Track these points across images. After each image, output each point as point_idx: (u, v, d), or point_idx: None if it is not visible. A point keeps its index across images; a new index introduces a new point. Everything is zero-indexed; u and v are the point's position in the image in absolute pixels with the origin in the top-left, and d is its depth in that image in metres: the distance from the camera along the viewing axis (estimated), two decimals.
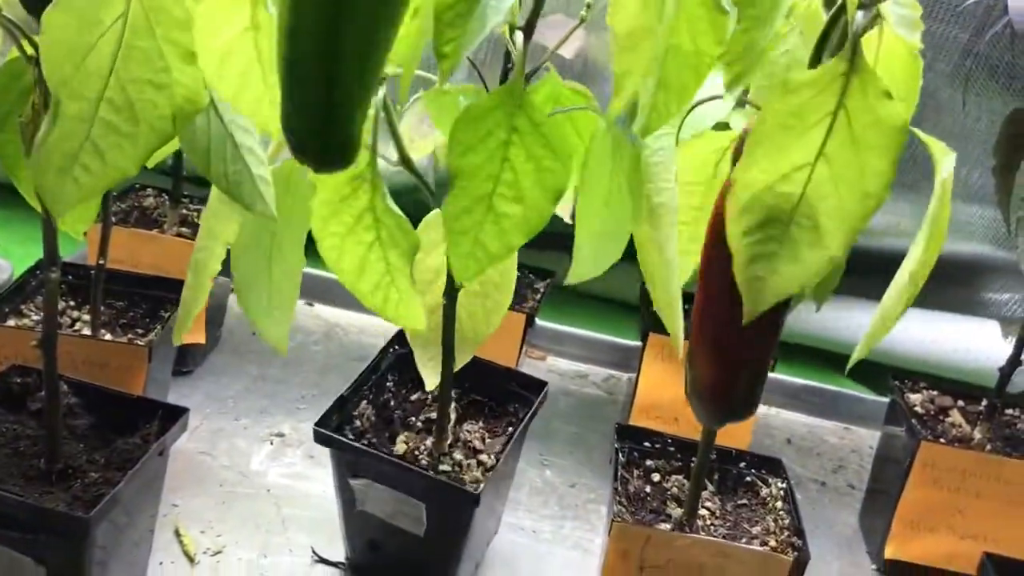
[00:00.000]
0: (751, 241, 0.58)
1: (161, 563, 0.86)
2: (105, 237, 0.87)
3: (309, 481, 1.01)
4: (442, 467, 0.81)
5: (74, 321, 0.95)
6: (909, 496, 1.00)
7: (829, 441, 1.30)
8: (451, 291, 0.76)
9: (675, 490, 0.86)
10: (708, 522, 0.82)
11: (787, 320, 1.48)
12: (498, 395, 0.92)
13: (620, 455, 0.86)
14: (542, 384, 0.92)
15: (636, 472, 0.87)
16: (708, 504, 0.85)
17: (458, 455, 0.83)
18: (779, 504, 0.84)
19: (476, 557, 0.91)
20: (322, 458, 1.05)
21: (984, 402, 1.07)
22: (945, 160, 0.65)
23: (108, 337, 0.91)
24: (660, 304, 0.69)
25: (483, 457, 0.84)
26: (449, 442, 0.84)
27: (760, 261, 0.58)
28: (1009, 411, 1.09)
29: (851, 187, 0.57)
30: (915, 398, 1.09)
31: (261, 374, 1.19)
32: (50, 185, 0.53)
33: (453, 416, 0.87)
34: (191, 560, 0.87)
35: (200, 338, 1.12)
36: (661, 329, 1.15)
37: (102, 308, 0.94)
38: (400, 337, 0.97)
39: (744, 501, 0.86)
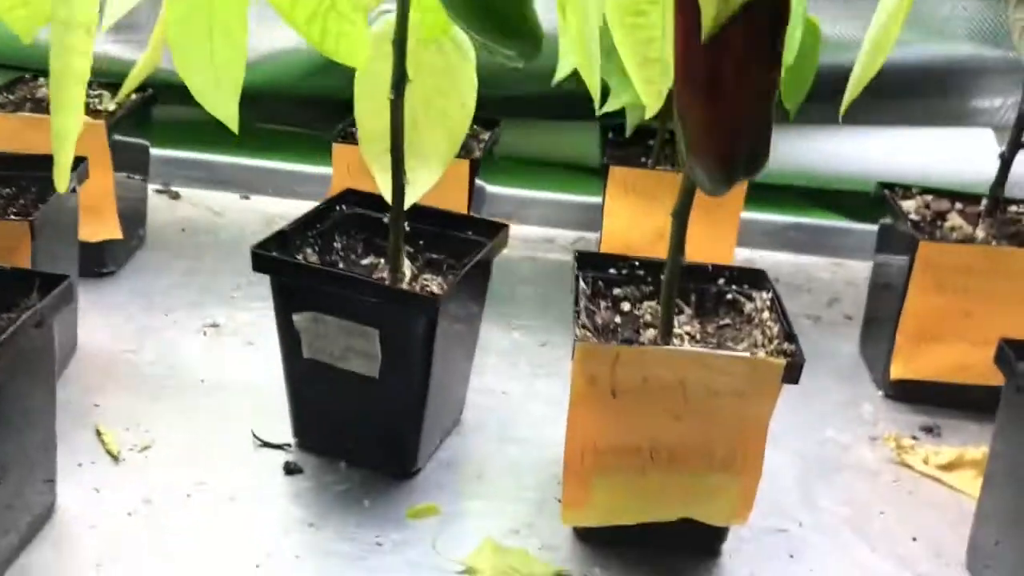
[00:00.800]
0: None
1: (80, 464, 0.76)
2: None
3: (248, 367, 0.91)
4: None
5: None
6: (912, 306, 0.90)
7: (820, 277, 1.21)
8: (399, 82, 0.66)
9: (648, 317, 0.75)
10: (687, 345, 0.72)
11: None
12: (456, 249, 0.82)
13: (583, 284, 0.76)
14: (502, 226, 0.82)
15: (603, 303, 0.77)
16: (687, 328, 0.75)
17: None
18: (765, 315, 0.74)
19: (440, 427, 0.81)
20: (261, 342, 0.95)
21: (984, 202, 0.97)
22: None
23: None
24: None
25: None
26: (404, 284, 0.75)
27: None
28: (1013, 208, 0.99)
29: None
30: (909, 205, 0.99)
31: (192, 268, 1.08)
32: None
33: (408, 274, 0.78)
34: (115, 458, 0.77)
35: (115, 233, 1.01)
36: (622, 162, 1.06)
37: None
38: (348, 194, 0.86)
39: (727, 321, 0.76)
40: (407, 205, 0.73)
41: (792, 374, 0.65)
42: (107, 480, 0.75)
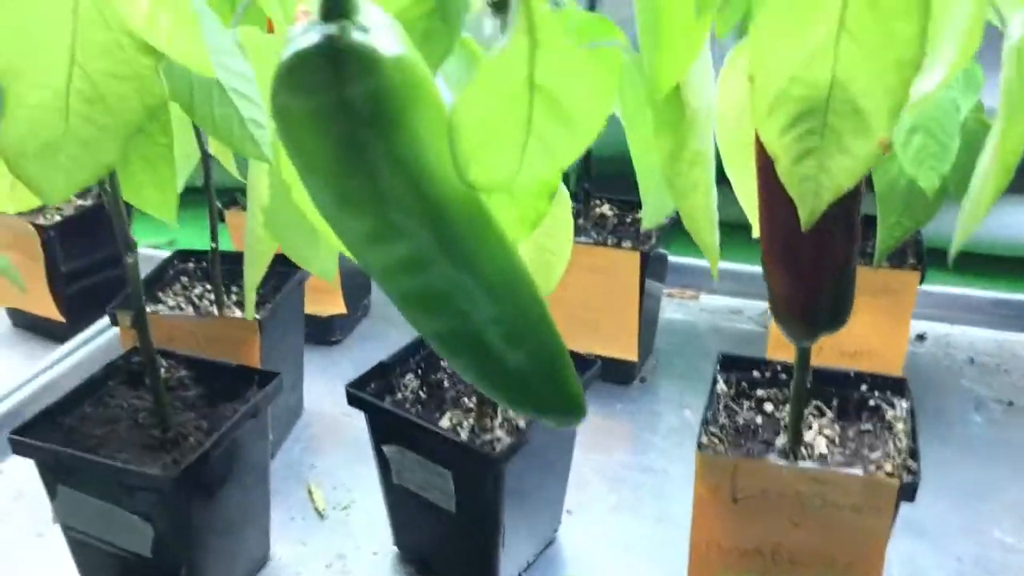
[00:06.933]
0: (789, 140, 0.52)
1: (292, 519, 0.91)
2: (212, 223, 0.93)
3: None
4: (477, 441, 0.78)
5: (210, 303, 1.01)
6: None
7: (1021, 356, 1.16)
8: None
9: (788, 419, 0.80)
10: (822, 450, 0.75)
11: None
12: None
13: (723, 385, 0.81)
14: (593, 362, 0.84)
15: (747, 404, 0.82)
16: (827, 431, 0.78)
17: (500, 432, 0.78)
18: (900, 426, 0.76)
19: (526, 551, 0.86)
20: None
21: None
22: (1016, 15, 0.55)
23: (216, 313, 0.96)
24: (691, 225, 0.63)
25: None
26: (498, 421, 0.79)
27: (804, 159, 0.52)
28: None
29: (882, 59, 0.50)
30: None
31: (411, 334, 1.22)
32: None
33: None
34: (320, 515, 0.91)
35: (339, 308, 1.17)
36: None
37: (233, 289, 1.00)
38: None
39: (868, 427, 0.79)
40: None
41: (908, 494, 0.68)
42: (312, 535, 0.89)
